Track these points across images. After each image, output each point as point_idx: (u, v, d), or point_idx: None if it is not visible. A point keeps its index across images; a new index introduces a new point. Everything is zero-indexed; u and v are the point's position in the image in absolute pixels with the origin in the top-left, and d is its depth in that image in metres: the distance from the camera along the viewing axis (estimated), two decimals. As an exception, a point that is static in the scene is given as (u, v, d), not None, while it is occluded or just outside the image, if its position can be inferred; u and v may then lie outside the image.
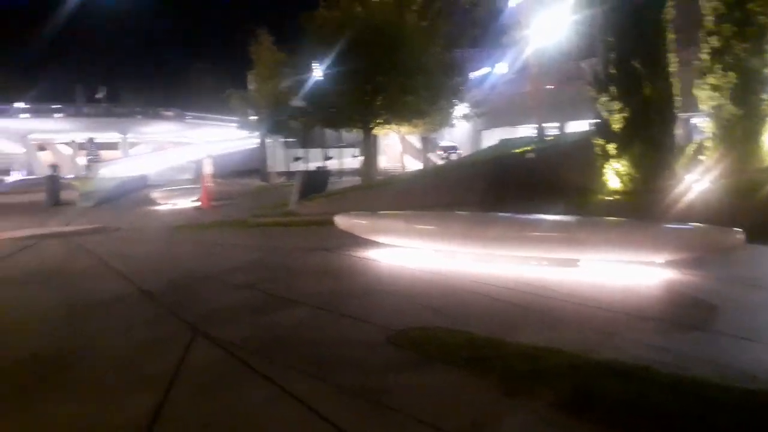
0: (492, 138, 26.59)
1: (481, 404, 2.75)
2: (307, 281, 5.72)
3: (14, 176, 50.83)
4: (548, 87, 20.29)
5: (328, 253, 7.26)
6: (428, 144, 32.61)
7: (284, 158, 34.05)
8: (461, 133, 31.75)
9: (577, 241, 5.62)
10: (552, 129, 19.47)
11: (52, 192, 19.13)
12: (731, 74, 9.05)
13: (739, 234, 4.97)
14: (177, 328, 4.15)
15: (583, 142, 10.40)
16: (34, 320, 4.57)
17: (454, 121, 23.17)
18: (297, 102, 22.84)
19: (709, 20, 9.36)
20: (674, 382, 2.78)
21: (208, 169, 19.33)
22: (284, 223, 11.10)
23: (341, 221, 7.42)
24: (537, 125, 17.64)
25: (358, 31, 17.25)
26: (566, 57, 18.99)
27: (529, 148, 12.44)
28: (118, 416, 2.73)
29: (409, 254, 6.60)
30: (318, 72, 19.17)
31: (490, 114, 25.59)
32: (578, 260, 5.63)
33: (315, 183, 15.69)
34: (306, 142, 34.45)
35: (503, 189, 9.51)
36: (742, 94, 9.04)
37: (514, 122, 29.28)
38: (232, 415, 2.73)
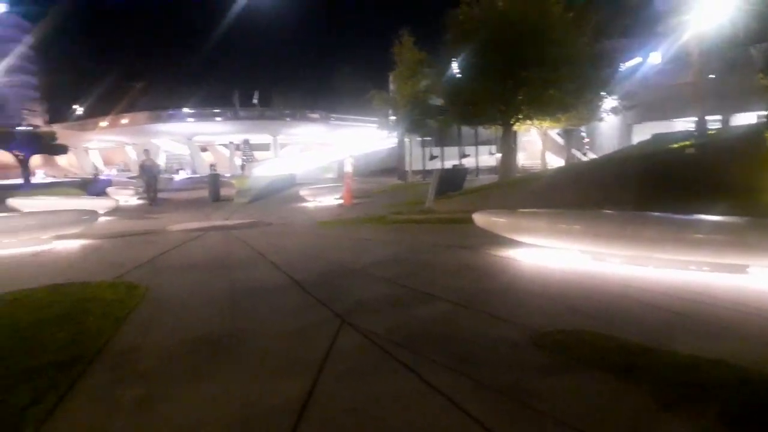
0: (643, 132, 24.77)
1: (635, 414, 2.59)
2: (446, 277, 5.74)
3: (182, 175, 56.91)
4: (710, 77, 18.44)
5: (467, 250, 7.24)
6: (571, 139, 31.21)
7: (421, 157, 34.47)
8: (608, 127, 29.97)
9: (746, 245, 5.03)
10: (714, 122, 17.70)
11: (214, 189, 21.12)
12: None
13: None
14: (325, 317, 4.39)
15: (752, 135, 9.34)
16: (202, 304, 5.08)
17: (603, 115, 21.97)
18: (435, 100, 23.03)
19: None
20: None
21: (349, 168, 20.18)
22: (422, 220, 11.24)
23: (480, 219, 7.36)
24: (697, 118, 16.12)
25: (500, 26, 16.99)
26: (732, 43, 17.12)
27: (688, 143, 11.40)
28: (275, 395, 2.96)
29: (552, 255, 6.38)
30: (458, 69, 19.18)
31: (642, 107, 23.88)
32: (747, 266, 5.07)
33: (451, 181, 15.72)
34: (442, 141, 34.60)
35: (658, 187, 8.81)
36: None
37: (669, 115, 27.10)
38: (377, 402, 2.84)
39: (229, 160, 71.30)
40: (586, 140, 32.75)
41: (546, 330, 3.76)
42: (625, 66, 26.34)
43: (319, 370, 3.26)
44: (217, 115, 70.02)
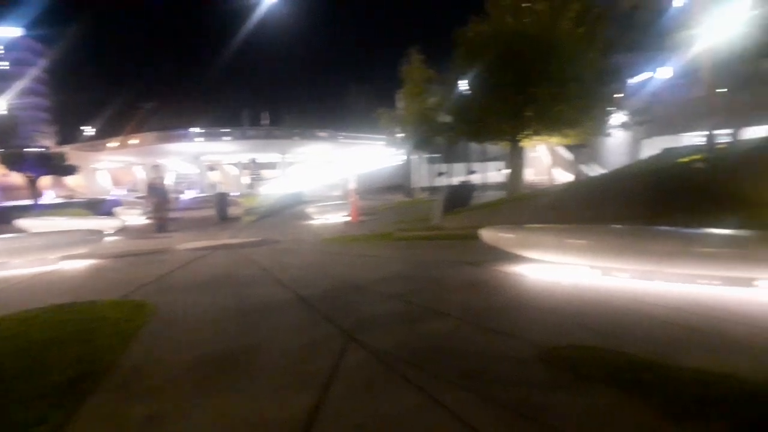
0: (653, 147, 24.71)
1: (645, 429, 2.56)
2: (452, 294, 5.73)
3: (189, 194, 57.14)
4: (720, 91, 18.40)
5: (474, 267, 7.21)
6: (580, 155, 31.14)
7: (428, 174, 34.52)
8: (617, 143, 29.92)
9: (755, 259, 5.00)
10: (724, 136, 17.62)
11: (221, 208, 21.07)
12: None
13: None
14: (331, 333, 4.39)
15: (762, 148, 9.28)
16: (209, 321, 5.08)
17: (610, 130, 21.96)
18: (443, 117, 23.14)
19: None
20: None
21: (352, 185, 20.25)
22: (429, 236, 11.23)
23: (487, 235, 7.34)
24: (707, 133, 16.03)
25: (509, 42, 17.09)
26: (743, 57, 17.13)
27: (697, 157, 11.35)
28: (281, 412, 2.95)
29: (560, 270, 6.35)
30: (466, 86, 19.27)
31: (651, 122, 23.81)
32: (756, 280, 5.02)
33: (459, 197, 15.72)
34: (449, 157, 34.69)
35: (667, 202, 8.76)
36: None
37: (678, 130, 27.01)
38: (384, 418, 2.82)
39: (237, 179, 71.71)
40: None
41: (554, 345, 3.73)
42: (635, 81, 26.36)
43: (326, 386, 3.24)
44: (226, 134, 70.50)
